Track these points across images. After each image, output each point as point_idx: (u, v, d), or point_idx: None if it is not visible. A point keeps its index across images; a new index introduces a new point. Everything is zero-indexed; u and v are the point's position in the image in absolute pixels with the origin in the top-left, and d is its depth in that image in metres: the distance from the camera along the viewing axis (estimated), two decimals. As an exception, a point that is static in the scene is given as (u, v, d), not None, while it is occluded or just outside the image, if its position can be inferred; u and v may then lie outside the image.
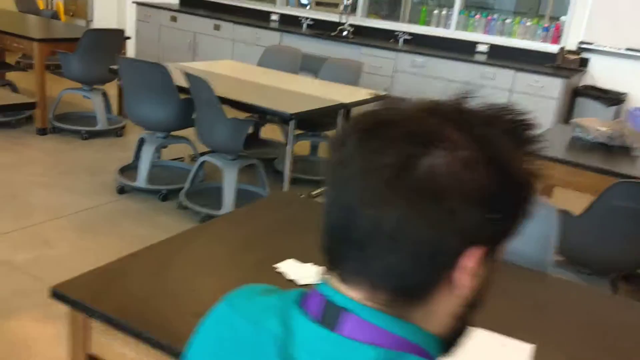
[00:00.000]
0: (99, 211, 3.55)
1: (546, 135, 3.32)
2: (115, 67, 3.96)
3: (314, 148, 4.73)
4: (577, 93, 4.89)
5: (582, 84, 5.06)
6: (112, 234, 3.28)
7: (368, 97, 3.97)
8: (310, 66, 5.40)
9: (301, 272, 1.49)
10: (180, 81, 3.62)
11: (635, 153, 3.11)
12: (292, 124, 3.56)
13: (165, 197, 3.77)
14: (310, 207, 1.96)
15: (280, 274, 1.48)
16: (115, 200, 3.73)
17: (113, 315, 1.25)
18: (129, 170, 3.98)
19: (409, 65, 5.33)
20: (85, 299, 1.29)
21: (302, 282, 1.45)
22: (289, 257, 1.57)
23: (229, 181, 3.47)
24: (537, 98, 4.77)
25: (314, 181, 4.30)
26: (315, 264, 1.55)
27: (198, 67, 4.38)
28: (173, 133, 3.90)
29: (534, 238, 1.83)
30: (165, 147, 3.88)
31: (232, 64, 4.75)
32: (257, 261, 1.54)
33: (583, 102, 4.85)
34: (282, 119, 3.75)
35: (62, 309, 1.34)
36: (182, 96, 3.61)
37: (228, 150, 3.44)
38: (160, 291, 1.36)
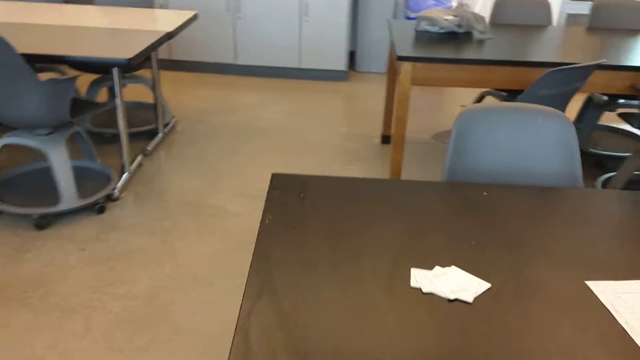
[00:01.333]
0: None
1: (393, 35, 3.20)
2: None
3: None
4: (356, -19, 4.86)
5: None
6: None
7: (185, 19, 3.29)
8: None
9: (451, 283, 1.13)
10: None
11: (480, 36, 3.21)
12: (117, 71, 2.77)
13: (-43, 207, 2.68)
14: (316, 186, 1.51)
15: (431, 294, 1.10)
16: None
17: None
18: None
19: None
20: None
21: (467, 297, 1.09)
22: (406, 267, 1.18)
23: (61, 162, 2.58)
24: (329, -7, 4.60)
25: (143, 133, 3.54)
26: (443, 265, 1.20)
27: None
28: None
29: (558, 154, 1.73)
30: None
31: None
32: (384, 282, 1.11)
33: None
34: (105, 67, 2.90)
35: None
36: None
37: (47, 123, 2.52)
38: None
